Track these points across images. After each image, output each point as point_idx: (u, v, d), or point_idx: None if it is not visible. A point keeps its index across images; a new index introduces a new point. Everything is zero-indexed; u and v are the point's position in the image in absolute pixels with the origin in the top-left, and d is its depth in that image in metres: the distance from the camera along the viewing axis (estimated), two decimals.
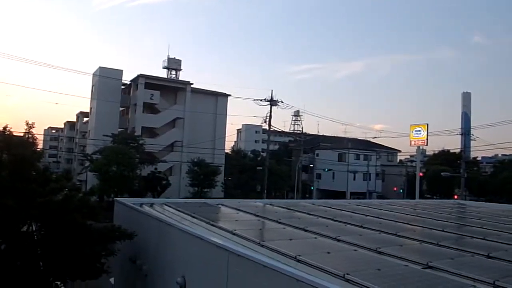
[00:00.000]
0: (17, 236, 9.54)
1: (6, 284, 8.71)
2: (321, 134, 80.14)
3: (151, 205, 12.32)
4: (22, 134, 11.45)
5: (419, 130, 44.66)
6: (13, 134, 11.30)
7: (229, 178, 56.95)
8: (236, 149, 74.33)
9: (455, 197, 44.45)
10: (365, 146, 64.89)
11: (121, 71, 54.96)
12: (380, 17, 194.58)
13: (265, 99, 45.16)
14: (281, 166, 58.52)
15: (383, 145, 69.68)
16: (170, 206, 11.93)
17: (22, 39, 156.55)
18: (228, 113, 59.44)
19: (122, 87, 56.48)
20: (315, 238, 7.93)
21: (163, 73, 61.85)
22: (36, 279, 9.24)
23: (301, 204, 14.70)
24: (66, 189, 10.75)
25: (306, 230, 8.74)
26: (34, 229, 9.98)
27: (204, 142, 51.51)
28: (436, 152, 66.32)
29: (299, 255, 6.14)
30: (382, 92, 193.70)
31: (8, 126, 11.13)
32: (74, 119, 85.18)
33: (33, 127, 11.59)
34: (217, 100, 58.91)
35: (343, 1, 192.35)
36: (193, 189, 48.00)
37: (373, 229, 9.23)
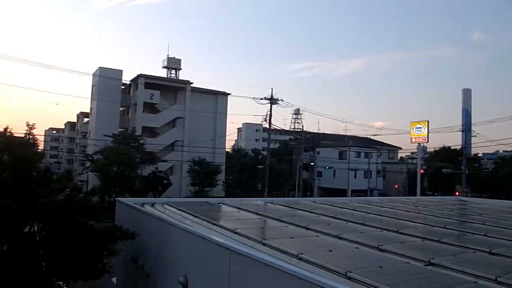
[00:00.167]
0: (19, 237, 9.55)
1: (9, 284, 8.71)
2: (322, 132, 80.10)
3: (153, 204, 12.33)
4: (22, 135, 11.47)
5: (420, 127, 44.62)
6: (14, 135, 11.31)
7: (230, 177, 56.97)
8: (237, 148, 74.30)
9: (457, 193, 44.43)
10: (366, 144, 64.88)
11: (121, 71, 54.97)
12: (379, 14, 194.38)
13: (265, 98, 45.17)
14: (282, 164, 58.49)
15: (383, 143, 69.68)
16: (171, 206, 11.93)
17: (22, 40, 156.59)
18: (228, 112, 59.47)
19: (122, 87, 56.46)
20: (317, 236, 7.93)
21: (163, 73, 61.88)
22: (38, 280, 9.25)
23: (302, 202, 14.71)
24: (67, 190, 10.76)
25: (307, 228, 8.73)
26: (36, 229, 9.98)
27: (205, 141, 51.52)
28: (437, 149, 66.26)
29: (301, 253, 6.14)
30: (382, 89, 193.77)
31: (9, 127, 11.15)
32: (75, 120, 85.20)
33: (34, 128, 11.61)
34: (217, 99, 58.89)
35: None
36: (194, 188, 48.01)
37: (374, 227, 9.22)
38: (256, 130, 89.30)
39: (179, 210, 11.12)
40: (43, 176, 10.91)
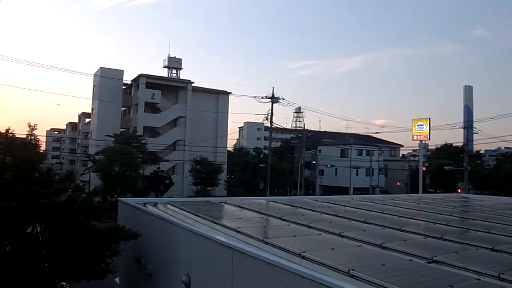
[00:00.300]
0: (22, 238, 9.57)
1: (13, 285, 8.74)
2: (323, 130, 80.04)
3: (155, 204, 12.34)
4: (24, 136, 11.48)
5: (421, 125, 44.63)
6: (16, 136, 11.32)
7: (232, 176, 56.97)
8: (238, 147, 74.25)
9: (459, 190, 44.40)
10: (368, 142, 64.89)
11: (122, 71, 55.00)
12: (379, 11, 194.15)
13: (266, 97, 45.24)
14: (284, 163, 58.53)
15: (385, 140, 69.70)
16: (173, 205, 11.94)
17: (23, 41, 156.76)
18: (229, 111, 59.51)
19: (124, 87, 56.49)
20: (319, 234, 7.93)
21: (164, 73, 61.90)
22: (41, 280, 9.27)
23: (305, 200, 14.71)
24: (70, 190, 10.77)
25: (310, 227, 8.74)
26: (38, 230, 10.00)
27: (206, 140, 51.56)
28: (439, 146, 66.16)
29: (304, 252, 6.14)
30: (383, 87, 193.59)
31: (11, 128, 11.16)
32: (76, 120, 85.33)
33: (35, 129, 11.63)
34: (218, 98, 58.91)
35: None
36: (196, 187, 48.04)
37: (377, 225, 9.22)
38: (258, 129, 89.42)
39: (181, 209, 11.13)
40: (45, 177, 10.93)
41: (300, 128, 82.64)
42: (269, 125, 47.94)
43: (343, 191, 54.80)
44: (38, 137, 11.84)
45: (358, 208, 12.26)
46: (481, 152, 67.37)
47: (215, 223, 9.09)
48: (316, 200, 14.68)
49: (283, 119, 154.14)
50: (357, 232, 8.09)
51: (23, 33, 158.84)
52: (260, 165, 52.09)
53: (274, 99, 45.25)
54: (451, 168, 45.13)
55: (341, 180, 60.44)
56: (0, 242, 9.33)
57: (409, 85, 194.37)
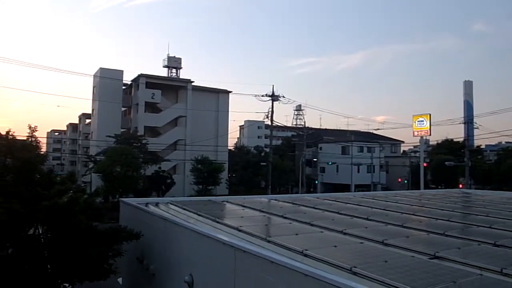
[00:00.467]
0: (24, 240, 9.58)
1: (16, 287, 8.75)
2: (324, 127, 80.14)
3: (157, 204, 12.35)
4: (25, 138, 11.48)
5: (422, 121, 44.58)
6: (16, 138, 11.32)
7: (233, 175, 56.99)
8: (239, 146, 74.26)
9: (460, 186, 44.35)
10: (368, 138, 64.82)
11: (121, 71, 54.98)
12: (379, 7, 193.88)
13: (266, 95, 45.18)
14: (285, 161, 58.48)
15: (386, 137, 69.61)
16: (175, 205, 11.95)
17: (22, 43, 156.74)
18: (230, 110, 59.49)
19: (123, 87, 56.48)
20: (321, 232, 7.93)
21: (163, 72, 61.90)
22: (44, 282, 9.28)
23: (306, 198, 14.71)
24: (71, 191, 10.77)
25: (312, 225, 8.74)
26: (40, 232, 10.01)
27: (207, 139, 51.57)
28: (440, 141, 66.07)
29: (306, 250, 6.14)
30: (383, 83, 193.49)
31: (11, 130, 11.17)
32: (77, 121, 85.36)
33: (36, 131, 11.64)
34: (218, 97, 58.89)
35: None
36: (198, 187, 48.06)
37: (379, 221, 9.22)
38: (258, 127, 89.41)
39: (183, 209, 11.13)
40: (47, 179, 10.93)
41: (301, 126, 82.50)
42: (269, 123, 47.89)
43: (345, 188, 54.76)
44: (38, 138, 11.86)
45: (360, 205, 12.26)
46: (482, 147, 67.25)
47: (217, 222, 9.10)
48: (317, 198, 14.67)
49: (284, 117, 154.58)
50: (359, 229, 8.09)
51: (23, 34, 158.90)
52: (261, 163, 52.06)
53: (274, 97, 45.21)
54: (452, 163, 45.09)
55: (342, 177, 60.42)
56: (2, 244, 9.33)
57: (409, 81, 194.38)
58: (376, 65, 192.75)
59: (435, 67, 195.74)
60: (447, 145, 60.97)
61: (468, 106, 57.67)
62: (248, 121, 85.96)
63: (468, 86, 60.43)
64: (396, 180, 60.47)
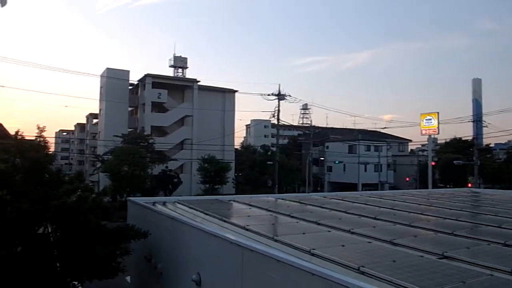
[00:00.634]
0: (33, 239, 9.65)
1: (25, 286, 8.81)
2: (330, 126, 79.85)
3: (164, 203, 12.38)
4: (33, 138, 11.54)
5: (430, 119, 44.31)
6: (25, 138, 11.40)
7: (240, 174, 57.03)
8: (246, 145, 74.37)
9: (469, 185, 44.06)
10: (375, 137, 64.56)
11: (128, 71, 55.25)
12: (384, 5, 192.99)
13: (272, 94, 45.20)
14: (291, 160, 58.46)
15: (393, 136, 69.30)
16: (182, 204, 11.97)
17: (30, 44, 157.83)
18: (236, 109, 59.57)
19: (130, 87, 56.74)
20: (329, 231, 7.91)
21: (170, 72, 62.11)
22: (53, 280, 9.34)
23: (313, 197, 14.67)
24: (79, 191, 10.83)
25: (319, 224, 8.71)
26: (49, 231, 10.08)
27: (214, 139, 51.65)
28: (448, 140, 65.72)
29: (313, 249, 6.13)
30: (390, 82, 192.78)
31: (20, 130, 11.24)
32: (84, 121, 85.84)
33: (44, 131, 11.67)
34: (224, 96, 58.97)
35: None
36: (204, 186, 48.17)
37: (387, 221, 9.18)
38: (265, 127, 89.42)
39: (190, 208, 11.15)
40: (55, 178, 10.99)
41: (307, 125, 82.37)
42: (276, 122, 47.91)
43: (352, 187, 54.59)
44: (47, 138, 11.88)
45: (368, 204, 12.20)
46: (491, 145, 66.75)
47: (224, 221, 9.10)
48: (324, 197, 14.62)
49: (290, 116, 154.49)
50: (367, 228, 8.06)
51: (30, 36, 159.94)
52: (268, 162, 52.08)
53: (280, 96, 45.19)
54: (460, 162, 44.82)
55: (349, 176, 60.25)
56: (12, 243, 9.41)
57: (417, 79, 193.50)
58: (382, 63, 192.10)
59: (443, 65, 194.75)
60: (456, 144, 60.64)
61: (477, 104, 57.28)
62: (255, 120, 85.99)
63: (476, 84, 60.00)
64: (404, 179, 60.21)
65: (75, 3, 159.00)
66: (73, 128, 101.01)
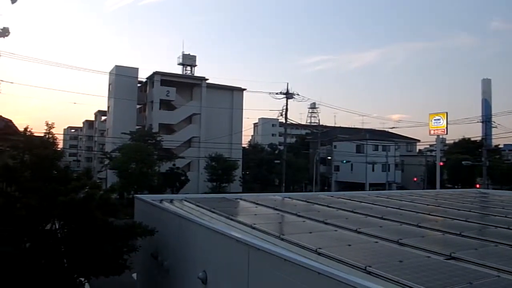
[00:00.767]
0: (41, 235, 9.72)
1: (32, 281, 8.89)
2: (338, 125, 79.64)
3: (171, 201, 12.41)
4: (42, 135, 11.63)
5: (438, 119, 44.00)
6: (34, 134, 11.49)
7: (247, 172, 57.09)
8: (253, 143, 74.38)
9: (477, 186, 43.73)
10: (383, 137, 64.29)
11: (136, 69, 55.41)
12: (393, 4, 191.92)
13: (281, 92, 45.17)
14: (299, 159, 58.36)
15: (401, 135, 68.98)
16: (189, 202, 12.00)
17: (40, 41, 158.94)
18: (244, 108, 59.57)
19: (138, 85, 56.93)
20: (335, 230, 7.88)
21: (178, 70, 62.20)
22: (60, 276, 9.41)
23: (320, 196, 14.64)
24: (87, 187, 10.89)
25: (326, 223, 8.69)
26: (57, 227, 10.14)
27: (221, 137, 51.73)
28: (457, 140, 65.27)
29: (320, 248, 6.11)
30: (398, 81, 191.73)
31: (29, 127, 11.33)
32: (93, 118, 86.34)
33: (53, 127, 11.75)
34: (232, 94, 59.01)
35: None
36: (212, 184, 48.26)
37: (394, 221, 9.13)
38: (273, 125, 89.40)
39: (197, 206, 11.17)
40: (63, 175, 11.07)
41: (315, 124, 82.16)
42: (284, 121, 47.87)
43: (359, 187, 54.46)
44: (55, 135, 11.97)
45: (375, 204, 12.16)
46: (500, 146, 66.27)
47: (231, 219, 9.11)
48: (331, 196, 14.59)
49: (298, 114, 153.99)
50: (374, 228, 8.02)
51: (40, 33, 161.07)
52: (275, 161, 52.10)
53: (288, 95, 45.16)
54: (469, 163, 44.49)
55: (357, 175, 60.07)
56: (20, 239, 9.49)
57: (425, 78, 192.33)
58: (390, 62, 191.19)
59: (451, 64, 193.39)
60: (464, 144, 60.19)
61: (486, 105, 56.86)
62: (262, 118, 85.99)
63: (486, 84, 59.53)
64: (411, 179, 59.94)
65: (85, 0, 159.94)
66: (81, 125, 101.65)
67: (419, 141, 70.92)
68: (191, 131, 55.03)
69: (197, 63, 63.03)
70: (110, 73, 55.40)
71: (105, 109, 62.53)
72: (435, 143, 48.07)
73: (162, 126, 52.79)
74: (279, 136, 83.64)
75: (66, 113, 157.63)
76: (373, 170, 60.08)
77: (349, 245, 6.51)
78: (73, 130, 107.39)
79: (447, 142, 69.63)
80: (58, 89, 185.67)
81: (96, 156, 69.61)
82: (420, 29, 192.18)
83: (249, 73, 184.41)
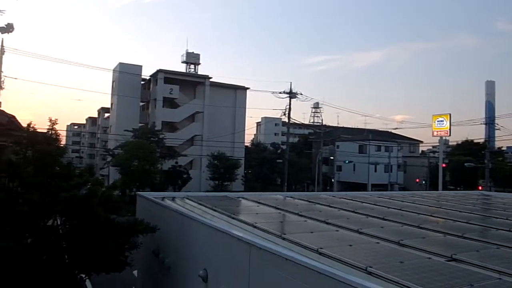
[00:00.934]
0: (43, 231, 9.75)
1: (34, 277, 8.92)
2: (341, 125, 79.52)
3: (173, 198, 12.43)
4: (45, 131, 11.65)
5: (442, 120, 43.83)
6: (37, 130, 11.52)
7: (249, 171, 57.10)
8: (256, 142, 74.39)
9: (480, 188, 43.63)
10: (386, 137, 64.21)
11: (140, 66, 55.52)
12: (397, 5, 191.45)
13: (284, 92, 45.13)
14: (301, 158, 58.39)
15: (404, 136, 68.87)
16: (191, 200, 12.01)
17: (44, 37, 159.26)
18: (247, 106, 59.59)
19: (142, 82, 57.02)
20: (337, 230, 7.88)
21: (182, 68, 62.24)
22: (61, 273, 9.43)
23: (322, 196, 14.62)
24: (90, 184, 10.91)
25: (327, 223, 8.69)
26: (59, 223, 10.17)
27: (224, 135, 51.73)
28: (460, 142, 65.11)
29: (321, 248, 6.11)
30: (402, 81, 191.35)
31: (32, 122, 11.36)
32: (96, 115, 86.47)
33: (56, 124, 11.78)
34: (236, 93, 59.03)
35: None
36: (214, 182, 48.32)
37: (395, 221, 9.12)
38: (275, 124, 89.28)
39: (199, 204, 11.18)
40: (66, 171, 11.09)
41: (318, 124, 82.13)
42: (286, 120, 47.83)
43: (361, 187, 54.41)
44: (58, 131, 11.99)
45: (376, 205, 12.14)
46: (503, 149, 66.06)
47: (233, 218, 9.11)
48: (333, 196, 14.57)
49: (301, 114, 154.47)
50: (375, 228, 8.01)
51: (44, 29, 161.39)
52: (278, 160, 52.08)
53: (291, 94, 45.12)
54: (472, 165, 44.40)
55: (359, 176, 60.00)
56: (22, 234, 9.52)
57: (429, 79, 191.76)
58: (394, 63, 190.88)
59: (455, 65, 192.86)
60: (467, 146, 60.09)
61: (490, 107, 56.66)
62: (265, 118, 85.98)
63: (490, 86, 59.33)
64: (414, 180, 59.83)
65: None
66: (84, 122, 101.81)
67: (422, 142, 70.80)
68: (194, 129, 55.08)
69: (200, 61, 63.11)
70: (114, 70, 55.50)
71: (109, 106, 62.61)
72: (438, 144, 48.00)
73: (165, 124, 52.85)
74: (282, 135, 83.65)
75: (69, 110, 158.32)
76: (375, 170, 60.00)
77: (350, 245, 6.51)
78: (76, 127, 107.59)
79: (450, 143, 69.61)
80: (61, 86, 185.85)
81: (99, 153, 69.72)
82: (424, 29, 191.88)
83: (252, 72, 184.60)
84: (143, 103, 57.75)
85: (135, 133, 44.72)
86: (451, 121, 43.12)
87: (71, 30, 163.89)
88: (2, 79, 28.91)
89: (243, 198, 13.16)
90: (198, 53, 63.07)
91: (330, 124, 75.69)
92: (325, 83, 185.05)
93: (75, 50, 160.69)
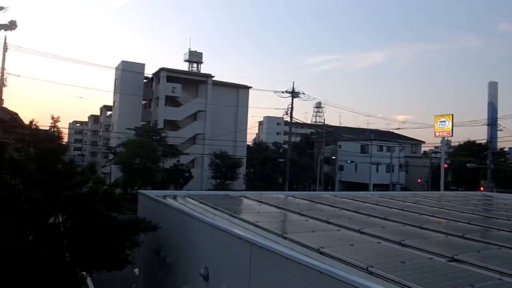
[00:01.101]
0: (44, 228, 9.77)
1: (35, 274, 8.94)
2: (343, 125, 79.53)
3: (174, 197, 12.44)
4: (48, 128, 11.67)
5: (444, 121, 43.82)
6: (39, 128, 11.54)
7: (251, 170, 57.07)
8: (258, 141, 74.28)
9: (481, 189, 43.54)
10: (388, 138, 64.14)
11: (143, 64, 55.54)
12: (401, 5, 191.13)
13: (286, 91, 45.13)
14: (303, 158, 58.32)
15: (406, 136, 68.80)
16: (193, 198, 12.02)
17: (46, 35, 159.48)
18: (249, 105, 59.61)
19: (144, 80, 57.05)
20: (338, 230, 7.88)
21: (184, 66, 62.23)
22: (62, 270, 9.45)
23: (324, 196, 14.62)
24: (91, 182, 10.93)
25: (328, 222, 8.68)
26: (60, 221, 10.19)
27: (226, 134, 51.75)
28: (462, 143, 64.96)
29: (322, 247, 6.11)
30: (404, 82, 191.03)
31: (34, 120, 11.38)
32: (98, 113, 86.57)
33: (58, 121, 11.80)
34: (238, 92, 59.04)
35: None
36: (215, 181, 48.32)
37: (397, 222, 9.11)
38: (277, 124, 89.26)
39: (201, 202, 11.19)
40: (68, 169, 11.11)
41: (320, 123, 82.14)
42: (289, 119, 47.82)
43: (363, 187, 54.37)
44: (61, 129, 12.02)
45: (378, 205, 12.13)
46: (505, 149, 65.88)
47: (234, 217, 9.12)
48: (335, 196, 14.56)
49: (303, 114, 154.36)
50: (377, 228, 8.01)
51: (47, 27, 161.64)
52: (280, 159, 52.06)
53: (294, 94, 45.10)
54: (474, 165, 44.31)
55: (361, 176, 59.96)
56: (23, 232, 9.53)
57: (431, 80, 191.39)
58: (397, 63, 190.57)
59: (458, 66, 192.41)
60: (469, 147, 59.95)
61: (492, 108, 56.60)
62: (268, 117, 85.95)
63: (492, 87, 59.25)
64: (415, 180, 59.77)
65: None
66: (86, 120, 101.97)
67: (424, 142, 70.69)
68: (196, 128, 55.12)
69: (203, 60, 63.08)
70: (117, 68, 55.53)
71: (111, 104, 62.69)
72: (440, 145, 47.94)
73: (167, 122, 52.89)
74: (284, 134, 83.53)
75: (72, 108, 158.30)
76: (377, 170, 59.96)
77: (352, 245, 6.50)
78: (78, 125, 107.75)
79: (452, 144, 69.41)
80: (64, 83, 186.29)
81: (101, 151, 69.84)
82: (427, 30, 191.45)
83: (255, 71, 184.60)
84: (145, 102, 57.78)
85: (137, 131, 44.75)
86: (454, 121, 43.11)
87: (74, 28, 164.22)
88: (4, 76, 28.99)
89: (244, 197, 13.16)
90: (201, 52, 63.11)
91: (332, 124, 75.85)
92: (328, 83, 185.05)
93: (78, 48, 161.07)
